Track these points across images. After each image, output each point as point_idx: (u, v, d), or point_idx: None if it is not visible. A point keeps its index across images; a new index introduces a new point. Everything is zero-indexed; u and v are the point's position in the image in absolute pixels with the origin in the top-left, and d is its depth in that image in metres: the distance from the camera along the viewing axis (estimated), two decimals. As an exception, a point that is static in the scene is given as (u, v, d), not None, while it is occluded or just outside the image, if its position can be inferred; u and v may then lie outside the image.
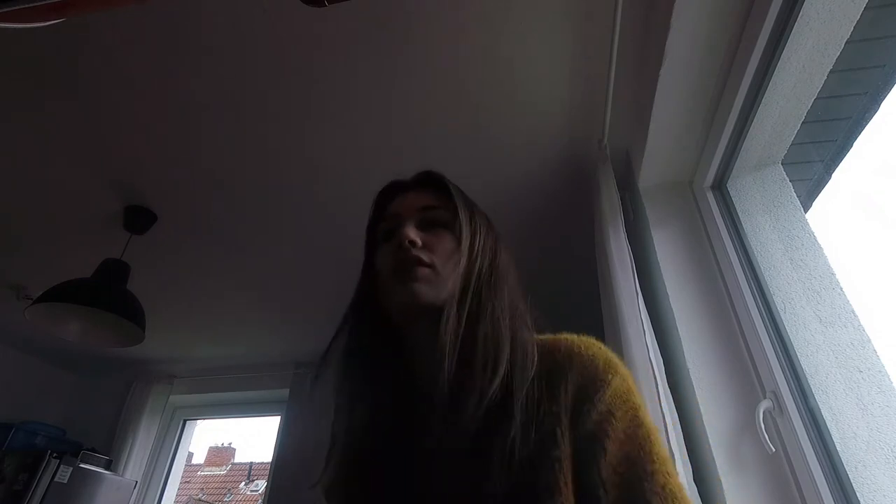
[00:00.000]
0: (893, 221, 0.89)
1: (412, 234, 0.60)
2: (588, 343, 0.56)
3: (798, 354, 0.98)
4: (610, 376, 0.52)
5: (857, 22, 0.94)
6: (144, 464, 3.17)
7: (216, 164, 1.75)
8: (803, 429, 0.90)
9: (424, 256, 0.59)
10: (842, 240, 1.11)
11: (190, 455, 9.51)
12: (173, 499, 3.34)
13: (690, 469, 0.88)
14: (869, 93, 1.09)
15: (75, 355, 3.31)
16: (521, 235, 1.98)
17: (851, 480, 0.82)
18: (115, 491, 2.83)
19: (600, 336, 0.58)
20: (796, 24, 0.92)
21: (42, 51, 1.38)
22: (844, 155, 1.13)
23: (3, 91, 1.50)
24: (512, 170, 1.71)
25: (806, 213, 1.15)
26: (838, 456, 0.85)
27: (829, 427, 0.88)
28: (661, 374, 0.95)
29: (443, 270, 0.59)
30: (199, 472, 13.05)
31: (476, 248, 0.61)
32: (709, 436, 0.98)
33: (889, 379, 0.89)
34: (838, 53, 0.99)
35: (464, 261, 0.59)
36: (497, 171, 1.71)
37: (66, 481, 2.55)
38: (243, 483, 12.49)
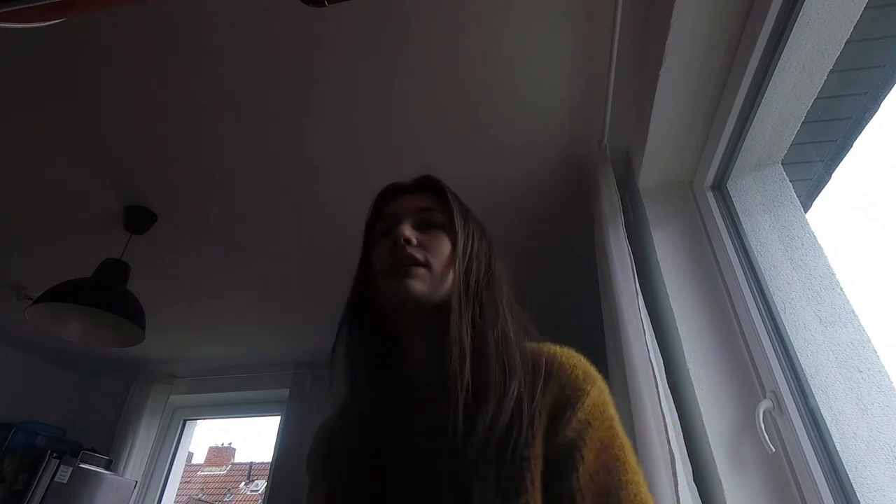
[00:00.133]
0: (893, 221, 0.89)
1: (408, 231, 0.61)
2: (569, 354, 0.58)
3: (798, 354, 0.98)
4: (589, 387, 0.54)
5: (857, 22, 0.94)
6: (144, 464, 3.18)
7: (216, 164, 1.75)
8: (803, 429, 0.90)
9: (419, 255, 0.60)
10: (842, 240, 1.11)
11: (190, 455, 9.51)
12: (173, 499, 3.34)
13: (690, 469, 0.88)
14: (869, 93, 1.09)
15: (75, 355, 3.31)
16: (521, 235, 1.98)
17: (851, 480, 0.83)
18: (115, 491, 2.83)
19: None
20: (796, 24, 0.92)
21: (42, 51, 1.38)
22: (844, 155, 1.13)
23: (3, 91, 1.50)
24: (512, 170, 1.71)
25: (806, 213, 1.15)
26: (838, 456, 0.85)
27: (829, 427, 0.88)
28: (661, 374, 0.95)
29: (438, 270, 0.60)
30: (199, 472, 13.05)
31: (470, 251, 0.63)
32: (709, 436, 0.98)
33: (889, 379, 0.89)
34: (838, 53, 0.99)
35: (459, 263, 0.61)
36: (497, 171, 1.71)
37: (66, 481, 2.55)
38: (243, 483, 12.49)
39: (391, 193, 0.71)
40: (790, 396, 0.93)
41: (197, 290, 2.55)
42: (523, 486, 0.48)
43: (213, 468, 13.18)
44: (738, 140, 1.18)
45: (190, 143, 1.68)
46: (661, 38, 1.07)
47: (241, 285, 2.48)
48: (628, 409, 0.93)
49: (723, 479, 0.93)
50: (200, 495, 12.02)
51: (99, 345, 2.05)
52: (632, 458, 0.51)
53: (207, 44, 1.35)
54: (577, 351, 0.59)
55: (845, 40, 0.97)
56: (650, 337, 1.00)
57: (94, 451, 2.92)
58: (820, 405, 0.91)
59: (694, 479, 0.88)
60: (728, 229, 1.20)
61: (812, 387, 0.94)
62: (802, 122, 1.15)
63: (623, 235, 1.21)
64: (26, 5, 0.59)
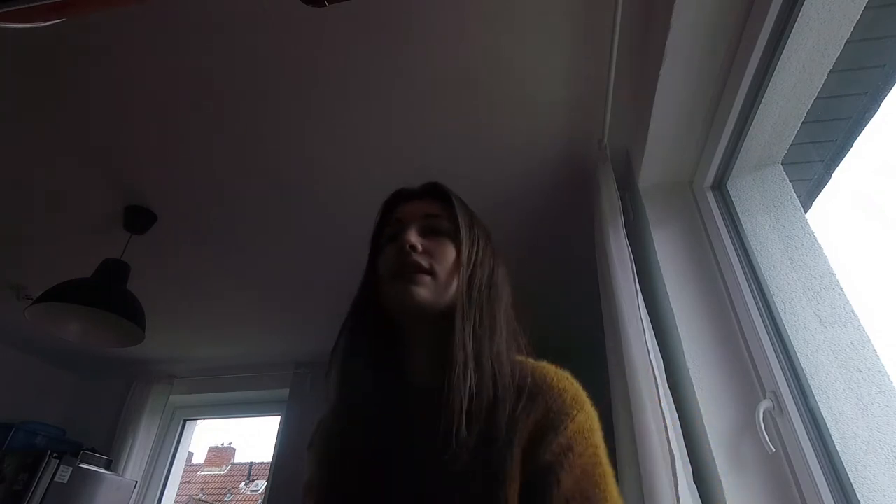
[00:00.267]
0: (893, 221, 0.89)
1: (413, 238, 0.62)
2: (561, 376, 0.58)
3: (798, 354, 0.98)
4: (575, 412, 0.53)
5: (857, 22, 0.94)
6: (144, 464, 3.18)
7: (216, 164, 1.75)
8: (803, 429, 0.90)
9: (424, 262, 0.61)
10: (842, 240, 1.11)
11: (190, 455, 9.51)
12: (173, 499, 3.34)
13: (690, 469, 0.88)
14: (869, 93, 1.09)
15: (75, 355, 3.31)
16: (521, 235, 1.98)
17: (851, 480, 0.82)
18: (115, 491, 2.83)
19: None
20: (796, 24, 0.92)
21: (42, 51, 1.38)
22: (844, 155, 1.13)
23: (3, 91, 1.50)
24: (512, 170, 1.71)
25: (806, 213, 1.15)
26: (838, 456, 0.85)
27: (829, 427, 0.88)
28: (661, 374, 0.95)
29: (442, 276, 0.61)
30: (199, 472, 13.05)
31: (474, 259, 0.63)
32: (709, 436, 0.98)
33: (889, 379, 0.89)
34: (838, 53, 0.99)
35: (464, 270, 0.61)
36: (497, 171, 1.71)
37: (66, 481, 2.55)
38: (243, 483, 12.49)
39: (398, 199, 0.72)
40: (790, 396, 0.93)
41: (197, 290, 2.55)
42: (497, 500, 0.48)
43: (213, 468, 13.18)
44: (738, 140, 1.18)
45: (190, 144, 1.68)
46: (661, 38, 1.07)
47: (241, 285, 2.48)
48: (628, 409, 0.93)
49: (723, 479, 0.93)
50: (200, 495, 12.02)
51: (99, 345, 2.05)
52: (613, 488, 0.50)
53: (207, 44, 1.35)
54: (571, 372, 0.59)
55: (845, 40, 0.97)
56: (650, 337, 1.00)
57: (94, 451, 2.93)
58: (820, 405, 0.91)
59: (694, 479, 0.88)
60: (728, 229, 1.20)
61: (812, 387, 0.93)
62: (802, 122, 1.15)
63: (623, 235, 1.21)
64: (26, 5, 0.59)
